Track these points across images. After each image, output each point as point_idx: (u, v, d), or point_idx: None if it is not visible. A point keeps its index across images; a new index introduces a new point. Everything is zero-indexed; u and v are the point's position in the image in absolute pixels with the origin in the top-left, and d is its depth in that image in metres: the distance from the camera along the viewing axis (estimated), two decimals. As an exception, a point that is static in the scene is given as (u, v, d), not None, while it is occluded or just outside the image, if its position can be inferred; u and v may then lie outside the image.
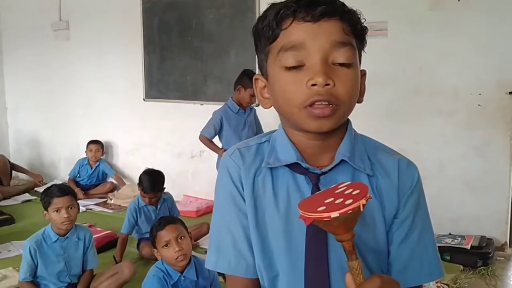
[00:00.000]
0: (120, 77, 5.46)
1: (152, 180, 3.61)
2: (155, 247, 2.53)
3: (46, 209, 2.77)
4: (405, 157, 1.03)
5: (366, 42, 0.97)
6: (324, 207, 0.76)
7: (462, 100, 3.77)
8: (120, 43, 5.36)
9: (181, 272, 2.44)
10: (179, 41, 5.01)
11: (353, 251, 0.78)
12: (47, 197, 2.78)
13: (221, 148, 3.98)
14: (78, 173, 5.48)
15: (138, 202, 3.65)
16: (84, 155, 5.52)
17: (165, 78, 5.17)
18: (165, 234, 2.48)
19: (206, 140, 3.96)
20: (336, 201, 0.77)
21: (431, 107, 3.88)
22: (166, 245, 2.45)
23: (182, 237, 2.49)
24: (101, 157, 5.55)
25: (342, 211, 0.74)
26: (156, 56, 5.19)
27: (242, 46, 4.59)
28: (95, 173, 5.51)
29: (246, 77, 3.80)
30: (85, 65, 5.69)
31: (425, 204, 1.02)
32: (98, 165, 5.51)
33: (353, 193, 0.78)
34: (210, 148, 4.02)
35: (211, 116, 3.99)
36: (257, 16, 4.35)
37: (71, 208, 2.77)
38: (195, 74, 4.97)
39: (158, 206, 3.69)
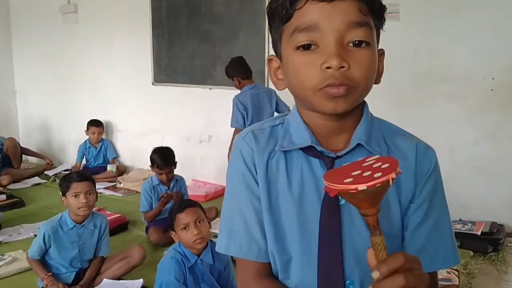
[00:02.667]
0: (129, 61, 5.44)
1: (164, 156, 3.70)
2: (173, 230, 2.54)
3: (64, 194, 2.77)
4: (423, 141, 1.00)
5: (385, 20, 0.93)
6: (351, 179, 0.73)
7: (475, 85, 3.72)
8: (129, 26, 5.33)
9: (198, 256, 2.46)
10: (188, 25, 4.97)
11: (377, 226, 0.75)
12: (66, 182, 2.78)
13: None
14: (84, 156, 5.51)
15: (152, 180, 3.73)
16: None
17: (174, 62, 5.14)
18: (184, 217, 2.49)
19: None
20: (364, 174, 0.74)
21: (443, 92, 3.83)
22: (185, 228, 2.46)
23: (201, 221, 2.50)
24: (103, 138, 5.57)
25: (370, 184, 0.71)
26: (164, 40, 5.15)
27: (251, 29, 4.55)
28: (101, 153, 5.54)
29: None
30: (93, 48, 5.67)
31: (443, 189, 1.00)
32: (102, 144, 5.53)
33: (382, 166, 0.74)
34: None
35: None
36: (267, -1, 4.33)
37: (90, 194, 2.77)
38: (204, 58, 4.93)
39: (171, 186, 3.75)
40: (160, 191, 3.72)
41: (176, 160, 3.79)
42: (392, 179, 0.71)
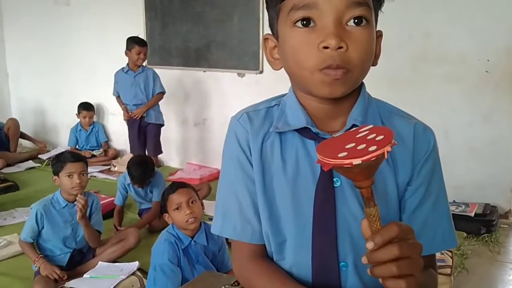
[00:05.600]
0: (122, 43, 5.37)
1: (141, 172, 3.46)
2: (166, 212, 2.54)
3: (57, 174, 2.77)
4: (422, 122, 0.99)
5: (383, 1, 0.92)
6: (345, 153, 0.72)
7: (470, 66, 3.71)
8: (121, 8, 5.26)
9: (192, 237, 2.46)
10: (181, 6, 4.92)
11: (371, 198, 0.75)
12: (59, 162, 2.78)
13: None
14: (77, 140, 5.49)
15: (125, 179, 3.59)
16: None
17: (167, 44, 5.10)
18: (177, 197, 2.49)
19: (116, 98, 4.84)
20: (358, 147, 0.72)
21: (438, 73, 3.82)
22: (177, 208, 2.47)
23: (193, 201, 2.51)
24: (94, 121, 5.56)
25: (365, 158, 0.69)
26: (158, 22, 5.10)
27: (245, 11, 4.51)
28: (92, 136, 5.53)
29: (128, 40, 4.58)
30: (85, 30, 5.61)
31: (441, 171, 0.99)
32: (93, 127, 5.52)
33: (377, 138, 0.73)
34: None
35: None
36: (261, -20, 4.28)
37: (83, 175, 2.78)
38: (198, 41, 4.89)
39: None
40: (136, 188, 3.55)
41: (154, 172, 3.59)
42: (387, 152, 0.70)
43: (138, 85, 4.69)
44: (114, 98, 4.94)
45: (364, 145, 0.72)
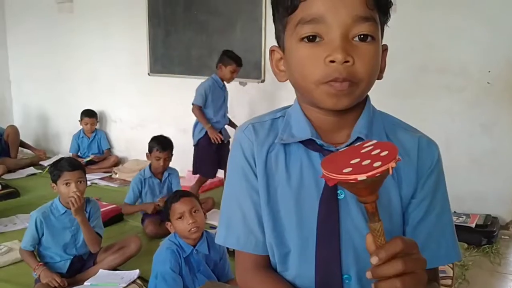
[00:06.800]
0: (125, 51, 5.41)
1: (163, 141, 3.75)
2: (168, 220, 2.54)
3: (55, 182, 2.77)
4: (426, 136, 0.99)
5: (390, 16, 0.93)
6: (350, 169, 0.72)
7: (471, 78, 3.72)
8: (125, 16, 5.29)
9: (194, 246, 2.46)
10: (184, 15, 4.94)
11: (376, 213, 0.75)
12: (56, 170, 2.78)
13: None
14: (79, 147, 5.50)
15: (144, 173, 3.73)
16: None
17: (170, 52, 5.12)
18: (180, 206, 2.50)
19: (198, 110, 4.14)
20: (363, 163, 0.73)
21: (439, 84, 3.83)
22: (180, 217, 2.48)
23: (196, 211, 2.52)
24: (97, 128, 5.55)
25: (370, 174, 0.70)
26: (161, 30, 5.13)
27: (248, 20, 4.54)
28: (94, 143, 5.52)
29: (225, 56, 4.10)
30: (89, 38, 5.64)
31: (445, 184, 0.99)
32: (95, 135, 5.52)
33: (381, 154, 0.73)
34: (200, 120, 4.16)
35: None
36: (264, -10, 4.30)
37: (80, 182, 2.78)
38: (200, 49, 4.91)
39: (163, 178, 3.75)
40: (151, 184, 3.71)
41: (173, 151, 3.79)
42: (392, 167, 0.71)
43: (227, 101, 4.30)
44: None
45: (369, 161, 0.73)
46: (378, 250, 0.74)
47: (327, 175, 0.74)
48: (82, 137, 5.51)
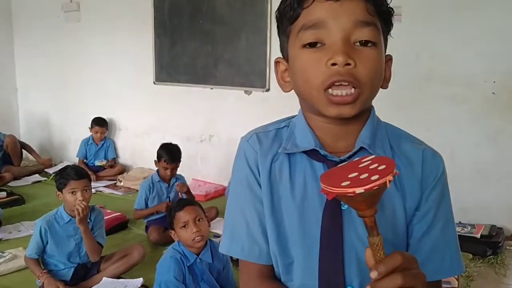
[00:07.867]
0: (130, 60, 5.44)
1: (172, 151, 3.80)
2: (172, 229, 2.54)
3: (60, 190, 2.78)
4: (431, 148, 0.99)
5: (392, 25, 0.93)
6: (348, 182, 0.74)
7: (476, 88, 3.71)
8: (131, 25, 5.32)
9: (197, 255, 2.46)
10: (190, 25, 4.97)
11: (375, 227, 0.76)
12: (62, 179, 2.78)
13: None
14: (86, 152, 5.51)
15: (152, 178, 3.79)
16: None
17: (176, 61, 5.14)
18: (184, 215, 2.50)
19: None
20: (361, 176, 0.74)
21: (444, 94, 3.83)
22: (184, 226, 2.48)
23: (200, 219, 2.51)
24: (106, 136, 5.56)
25: (367, 187, 0.71)
26: (166, 39, 5.15)
27: (253, 30, 4.55)
28: (102, 151, 5.53)
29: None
30: (95, 47, 5.67)
31: (449, 197, 0.99)
32: (104, 143, 5.53)
33: (379, 168, 0.75)
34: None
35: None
36: (269, 0, 4.32)
37: (86, 191, 2.78)
38: (206, 58, 4.93)
39: (171, 184, 3.79)
40: (159, 188, 3.76)
41: (181, 159, 3.85)
42: (389, 181, 0.72)
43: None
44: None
45: (366, 175, 0.74)
46: (377, 264, 0.74)
47: (325, 188, 0.76)
48: (91, 143, 5.51)
